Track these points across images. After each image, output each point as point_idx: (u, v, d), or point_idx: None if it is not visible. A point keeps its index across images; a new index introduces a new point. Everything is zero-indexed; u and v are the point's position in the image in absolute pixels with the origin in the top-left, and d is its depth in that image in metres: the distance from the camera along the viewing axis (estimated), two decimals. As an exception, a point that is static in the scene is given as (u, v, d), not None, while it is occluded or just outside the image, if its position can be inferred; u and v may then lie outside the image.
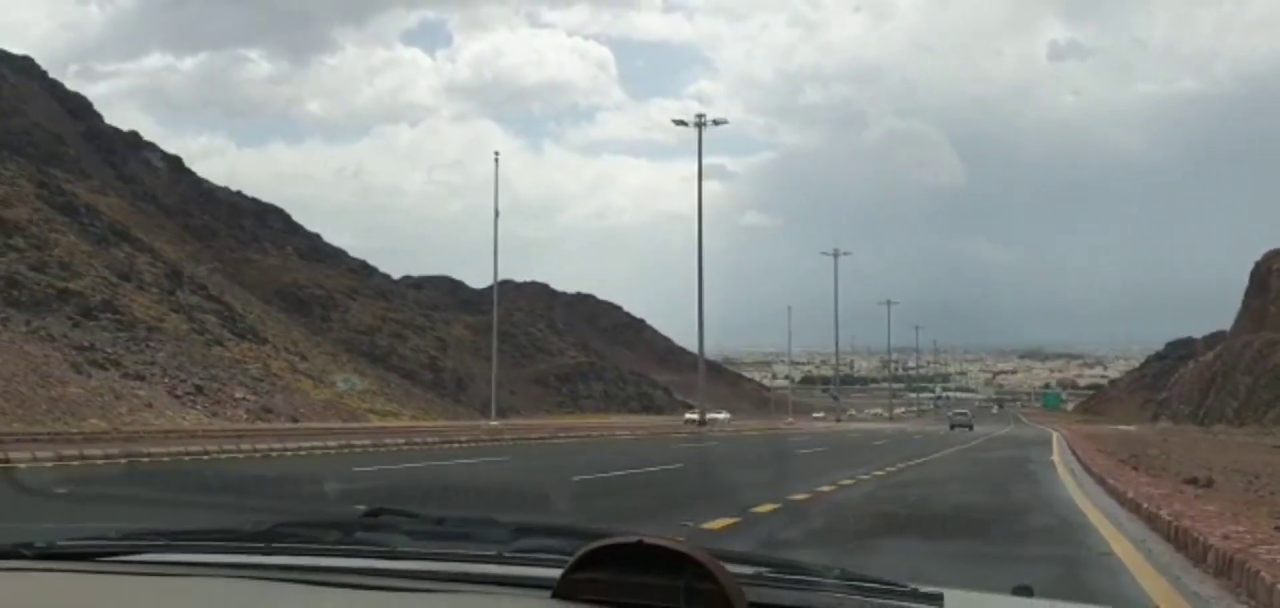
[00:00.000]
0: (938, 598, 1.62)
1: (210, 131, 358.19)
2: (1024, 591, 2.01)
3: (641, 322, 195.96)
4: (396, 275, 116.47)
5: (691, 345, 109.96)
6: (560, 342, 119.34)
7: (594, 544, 1.47)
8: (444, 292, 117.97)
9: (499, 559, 1.73)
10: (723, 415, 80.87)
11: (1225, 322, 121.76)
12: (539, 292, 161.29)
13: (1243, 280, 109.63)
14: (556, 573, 1.49)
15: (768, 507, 11.64)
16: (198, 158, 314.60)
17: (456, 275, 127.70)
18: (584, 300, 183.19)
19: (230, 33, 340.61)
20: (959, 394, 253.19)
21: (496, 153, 53.76)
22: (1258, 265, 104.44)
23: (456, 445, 27.80)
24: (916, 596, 1.63)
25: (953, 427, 77.20)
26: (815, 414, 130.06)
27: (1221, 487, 15.74)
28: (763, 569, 1.74)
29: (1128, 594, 6.61)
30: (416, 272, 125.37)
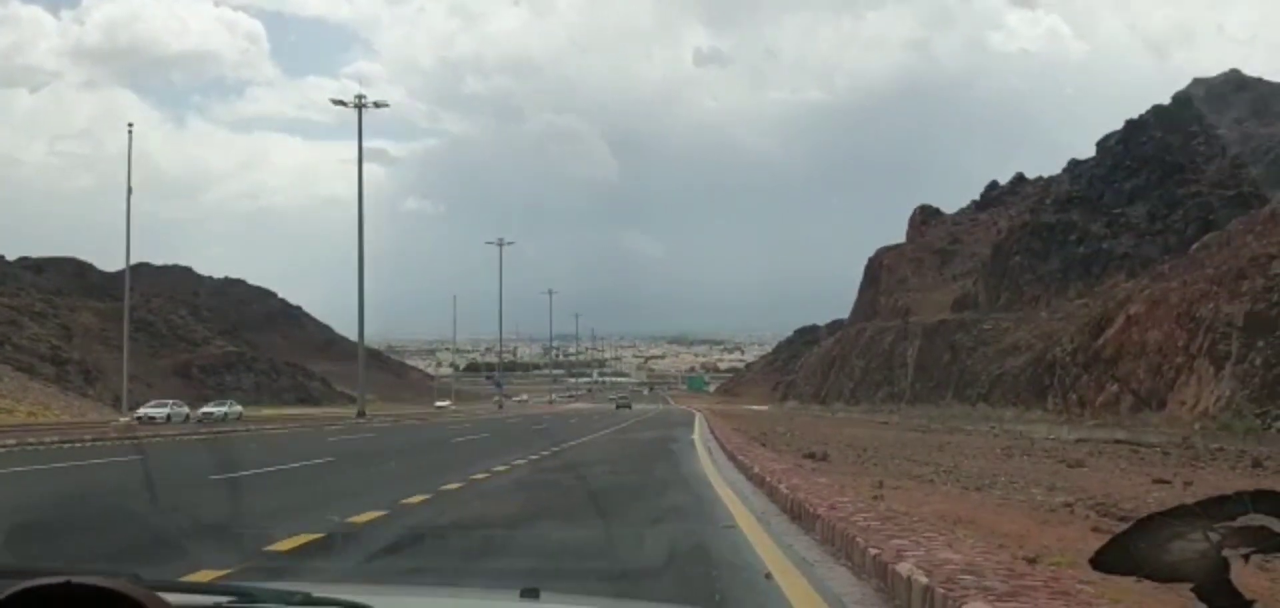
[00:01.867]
0: None
1: None
2: (531, 594, 2.03)
3: (299, 310, 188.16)
4: (11, 257, 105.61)
5: (353, 334, 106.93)
6: (205, 330, 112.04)
7: (12, 589, 1.29)
8: (69, 275, 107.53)
9: None
10: (445, 403, 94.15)
11: (844, 311, 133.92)
12: (182, 276, 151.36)
13: (858, 274, 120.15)
14: None
15: (418, 497, 11.45)
16: None
17: (85, 257, 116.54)
18: (234, 286, 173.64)
19: None
20: (615, 379, 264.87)
21: (131, 124, 49.61)
22: (871, 261, 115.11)
23: (79, 446, 25.35)
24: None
25: (618, 408, 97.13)
26: (439, 402, 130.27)
27: (835, 460, 17.18)
28: (223, 599, 1.65)
29: (745, 561, 7.01)
30: (37, 252, 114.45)
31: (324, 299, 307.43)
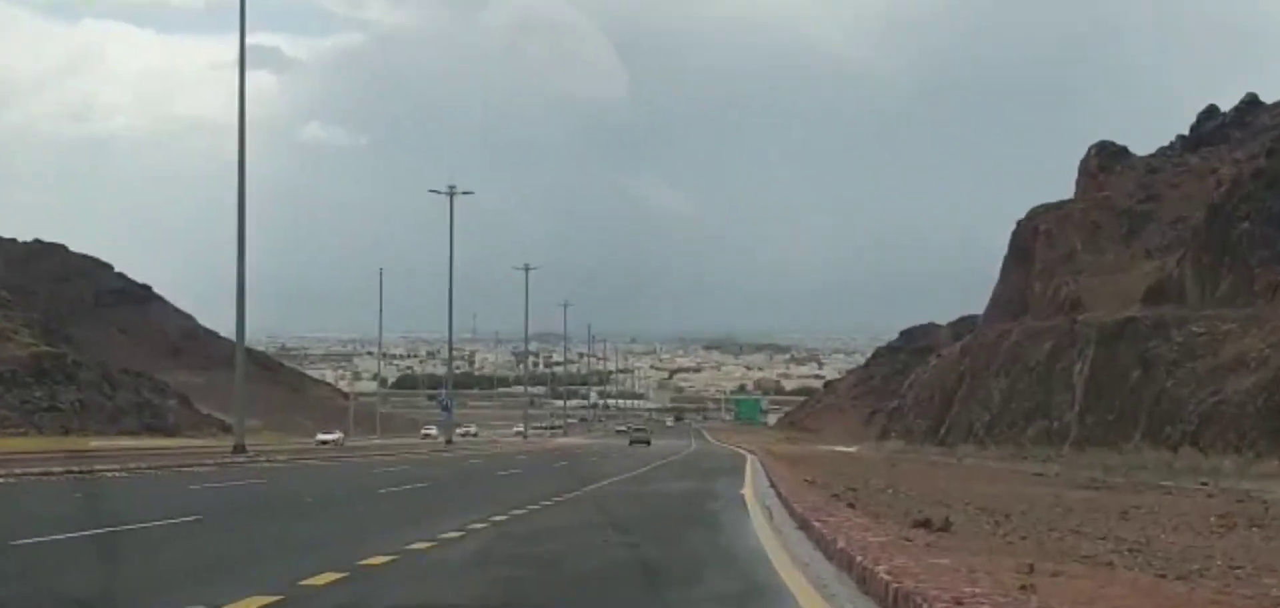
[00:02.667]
0: None
1: None
2: None
3: (146, 292, 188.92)
4: None
5: (226, 329, 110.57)
6: (4, 320, 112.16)
7: None
8: None
9: None
10: (334, 436, 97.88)
11: (976, 306, 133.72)
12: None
13: (1000, 249, 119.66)
14: None
15: (326, 577, 11.47)
16: None
17: None
18: (49, 254, 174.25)
19: None
20: (625, 403, 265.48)
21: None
22: (1018, 228, 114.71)
23: None
24: None
25: (632, 442, 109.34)
26: (425, 430, 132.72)
27: (962, 530, 17.13)
28: None
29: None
30: None
31: (184, 277, 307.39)
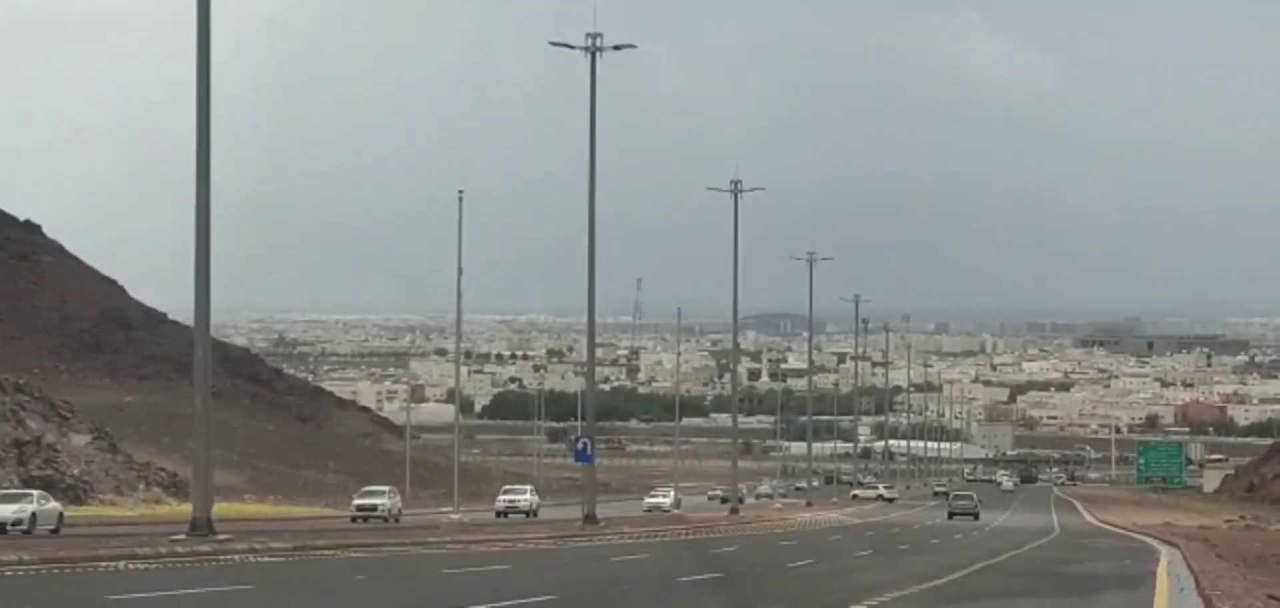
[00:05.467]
0: None
1: None
2: None
3: (31, 233, 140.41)
4: None
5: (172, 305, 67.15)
6: None
7: None
8: None
9: None
10: (380, 501, 70.39)
11: None
12: None
13: None
14: None
15: None
16: None
17: None
18: None
19: None
20: (926, 449, 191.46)
21: None
22: None
23: None
24: None
25: (952, 512, 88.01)
26: (657, 497, 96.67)
27: None
28: None
29: None
30: None
31: (103, 219, 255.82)
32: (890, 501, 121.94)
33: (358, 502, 70.15)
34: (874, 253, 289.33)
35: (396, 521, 67.13)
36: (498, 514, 77.76)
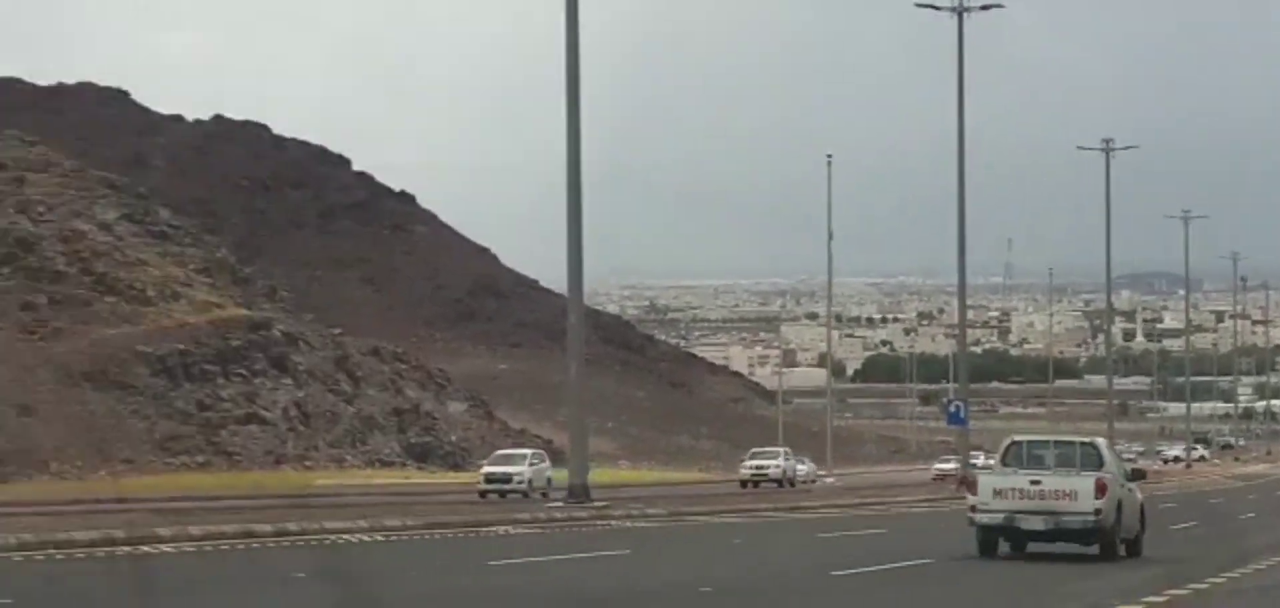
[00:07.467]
0: None
1: None
2: None
3: (406, 202, 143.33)
4: None
5: (544, 273, 70.39)
6: (176, 260, 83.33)
7: None
8: None
9: None
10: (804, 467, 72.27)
11: None
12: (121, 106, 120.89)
13: None
14: None
15: None
16: None
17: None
18: (237, 135, 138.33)
19: None
20: None
21: None
22: None
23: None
24: None
25: None
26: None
27: None
28: None
29: None
30: None
31: (475, 188, 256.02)
32: None
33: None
34: (1253, 208, 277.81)
35: (791, 485, 66.62)
36: (742, 484, 68.37)
